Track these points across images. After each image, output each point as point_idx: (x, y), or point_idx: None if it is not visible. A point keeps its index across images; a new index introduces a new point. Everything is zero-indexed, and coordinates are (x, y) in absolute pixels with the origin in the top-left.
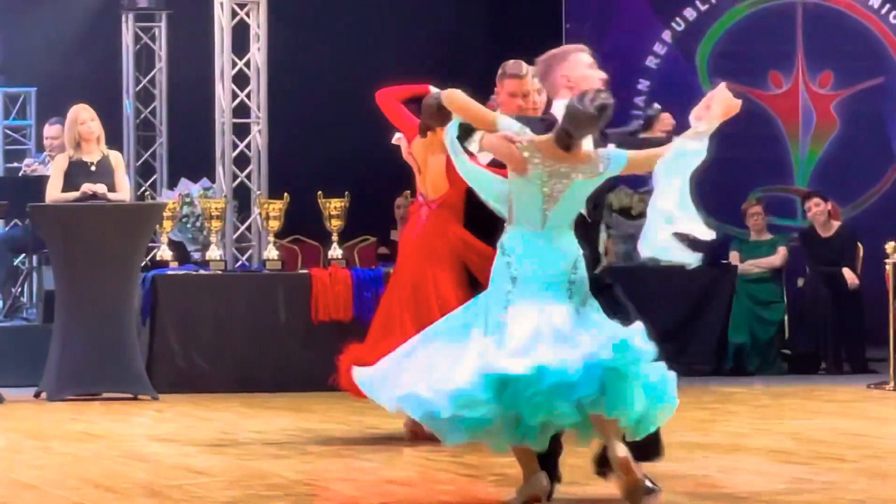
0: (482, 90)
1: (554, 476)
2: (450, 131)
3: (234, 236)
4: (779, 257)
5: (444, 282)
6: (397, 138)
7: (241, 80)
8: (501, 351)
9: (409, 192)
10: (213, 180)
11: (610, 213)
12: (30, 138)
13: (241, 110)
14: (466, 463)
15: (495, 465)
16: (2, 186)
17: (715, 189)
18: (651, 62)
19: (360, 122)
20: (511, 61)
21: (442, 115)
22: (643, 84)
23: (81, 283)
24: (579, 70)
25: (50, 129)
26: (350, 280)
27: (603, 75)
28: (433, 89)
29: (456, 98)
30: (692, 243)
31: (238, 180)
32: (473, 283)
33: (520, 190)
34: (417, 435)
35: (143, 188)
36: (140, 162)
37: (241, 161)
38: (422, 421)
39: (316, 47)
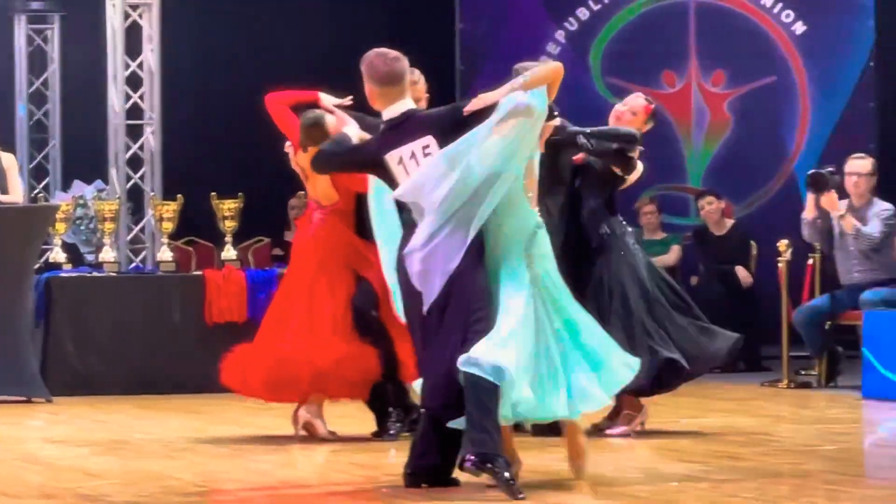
0: None
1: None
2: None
3: (128, 238)
4: (672, 256)
5: (338, 286)
6: (288, 146)
7: (134, 81)
8: None
9: (302, 192)
10: (106, 182)
11: None
12: None
13: (135, 112)
14: (361, 464)
15: (389, 466)
16: None
17: None
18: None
19: (254, 123)
20: None
21: (316, 133)
22: None
23: None
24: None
25: None
26: (244, 281)
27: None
28: (323, 96)
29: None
30: None
31: (132, 182)
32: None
33: None
34: (311, 432)
35: (37, 190)
36: (33, 164)
37: (135, 163)
38: None
39: (209, 49)
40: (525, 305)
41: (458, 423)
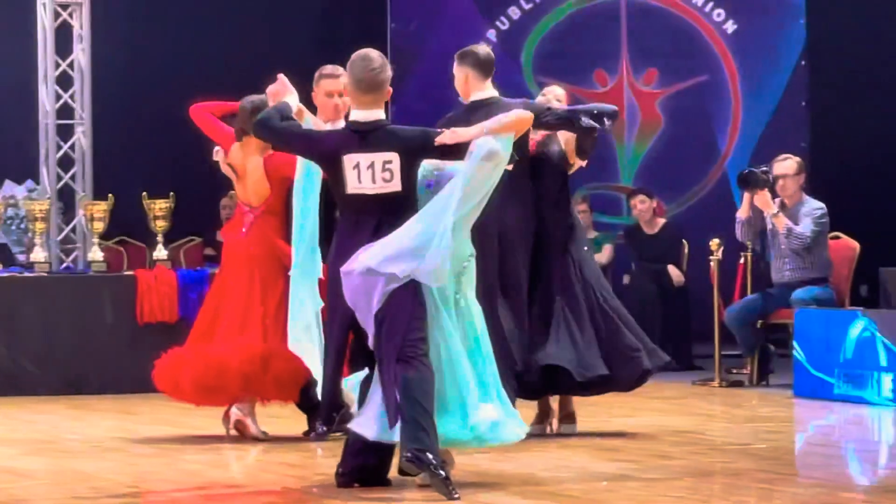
0: (307, 90)
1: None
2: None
3: (59, 238)
4: (605, 255)
5: (270, 288)
6: (216, 152)
7: (64, 81)
8: None
9: (233, 191)
10: (37, 182)
11: None
12: None
13: (65, 112)
14: (292, 463)
15: (320, 466)
16: None
17: None
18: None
19: (186, 122)
20: (328, 65)
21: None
22: None
23: None
24: (319, 98)
25: None
26: (175, 281)
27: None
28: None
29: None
30: None
31: (62, 182)
32: None
33: None
34: (242, 432)
35: None
36: None
37: (66, 162)
38: None
39: (140, 48)
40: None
41: (391, 436)
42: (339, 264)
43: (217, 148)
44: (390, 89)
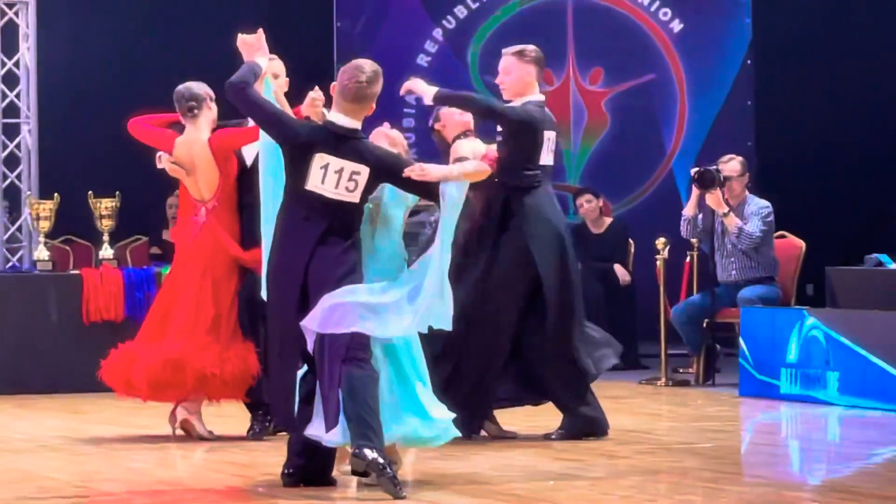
0: None
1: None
2: None
3: (5, 237)
4: None
5: (223, 286)
6: (158, 158)
7: (10, 79)
8: None
9: (178, 191)
10: None
11: None
12: None
13: (11, 110)
14: (239, 463)
15: (266, 465)
16: None
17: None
18: (422, 60)
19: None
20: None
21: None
22: None
23: None
24: None
25: None
26: (121, 280)
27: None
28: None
29: None
30: None
31: (8, 181)
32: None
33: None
34: (189, 431)
35: None
36: None
37: (11, 161)
38: None
39: (86, 47)
40: None
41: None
42: (281, 261)
43: (158, 154)
44: (373, 106)
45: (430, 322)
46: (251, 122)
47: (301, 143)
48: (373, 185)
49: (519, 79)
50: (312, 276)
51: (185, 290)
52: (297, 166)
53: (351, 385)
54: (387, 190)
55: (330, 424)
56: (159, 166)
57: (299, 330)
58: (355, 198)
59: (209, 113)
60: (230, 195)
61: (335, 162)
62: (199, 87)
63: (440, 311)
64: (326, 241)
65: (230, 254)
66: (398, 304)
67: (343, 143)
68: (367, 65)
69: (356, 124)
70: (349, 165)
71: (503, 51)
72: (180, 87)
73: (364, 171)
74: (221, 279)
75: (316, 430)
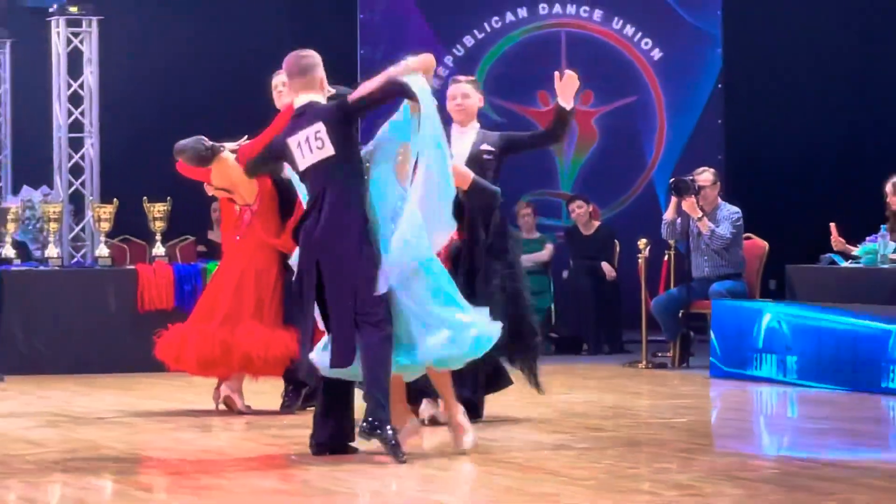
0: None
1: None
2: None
3: (70, 236)
4: (546, 253)
5: (265, 276)
6: (206, 189)
7: (75, 99)
8: None
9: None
10: (51, 187)
11: None
12: None
13: (76, 126)
14: (274, 434)
15: (297, 436)
16: None
17: None
18: (435, 82)
19: (181, 135)
20: None
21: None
22: None
23: None
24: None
25: None
26: (172, 274)
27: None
28: (225, 155)
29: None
30: None
31: (73, 187)
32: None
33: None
34: (230, 406)
35: None
36: None
37: (76, 170)
38: None
39: (142, 70)
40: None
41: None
42: (301, 237)
43: (205, 185)
44: (323, 76)
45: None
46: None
47: (280, 144)
48: (337, 133)
49: (474, 103)
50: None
51: (232, 280)
52: (290, 162)
53: (366, 356)
54: (387, 129)
55: (336, 363)
56: (209, 194)
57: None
58: (329, 150)
59: (226, 151)
60: (269, 197)
61: (301, 135)
62: (197, 144)
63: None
64: (325, 202)
65: (272, 246)
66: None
67: (300, 117)
68: (303, 50)
69: (310, 97)
70: (310, 130)
71: (458, 77)
72: (185, 150)
73: (321, 127)
74: (263, 270)
75: (321, 359)
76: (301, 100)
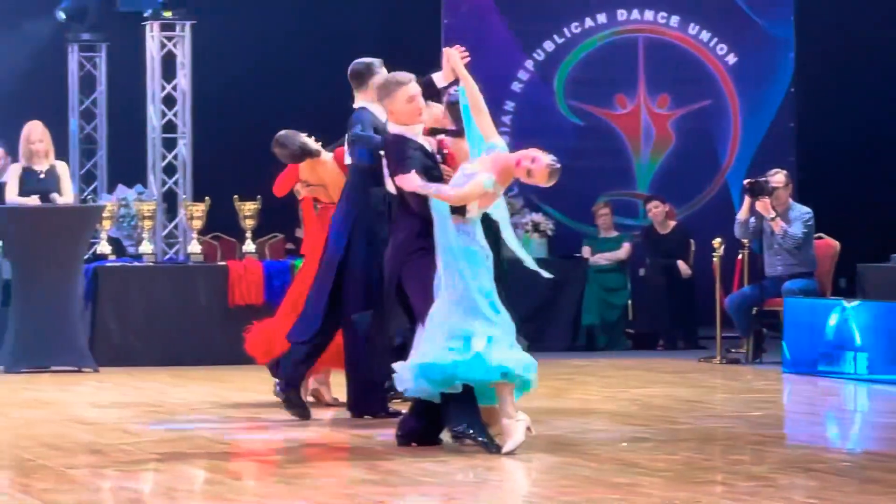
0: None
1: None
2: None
3: (164, 234)
4: (624, 251)
5: None
6: (296, 191)
7: (169, 101)
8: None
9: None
10: (145, 186)
11: None
12: None
13: (170, 127)
14: (361, 425)
15: (383, 427)
16: None
17: (570, 194)
18: (516, 86)
19: (271, 135)
20: None
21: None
22: (509, 105)
23: (34, 273)
24: (398, 105)
25: None
26: (261, 270)
27: (421, 106)
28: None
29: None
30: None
31: (167, 186)
32: None
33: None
34: (318, 398)
35: (86, 193)
36: (83, 171)
37: (170, 170)
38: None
39: (232, 72)
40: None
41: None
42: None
43: (295, 188)
44: (374, 87)
45: None
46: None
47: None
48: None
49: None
50: None
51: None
52: None
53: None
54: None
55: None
56: (301, 195)
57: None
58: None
59: (324, 154)
60: None
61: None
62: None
63: None
64: (343, 203)
65: None
66: None
67: (351, 121)
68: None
69: (358, 103)
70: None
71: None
72: (286, 141)
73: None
74: None
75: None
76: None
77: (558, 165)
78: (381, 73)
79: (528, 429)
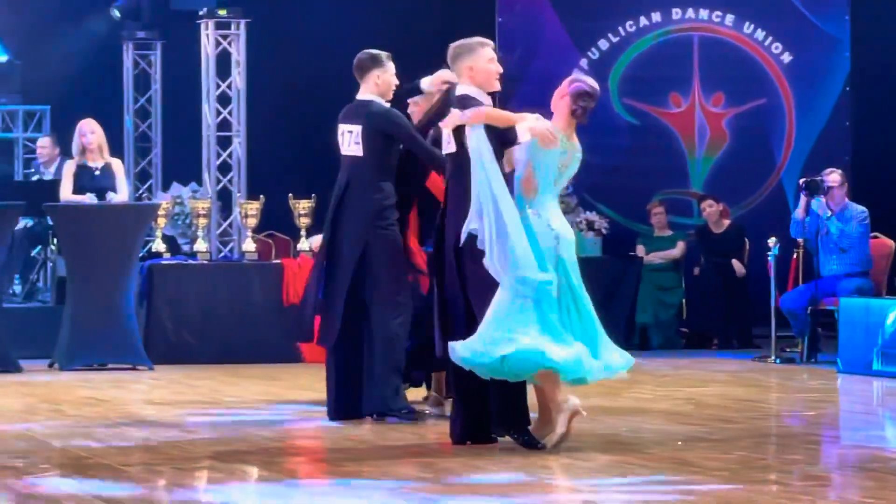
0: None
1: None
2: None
3: (218, 232)
4: (678, 250)
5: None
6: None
7: (223, 99)
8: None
9: None
10: (200, 184)
11: None
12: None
13: (224, 125)
14: (414, 423)
15: (437, 425)
16: (21, 189)
17: (625, 192)
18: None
19: (325, 134)
20: None
21: None
22: None
23: (89, 271)
24: (481, 63)
25: (41, 141)
26: None
27: (500, 69)
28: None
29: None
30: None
31: (221, 184)
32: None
33: (542, 160)
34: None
35: (141, 191)
36: (138, 168)
37: (224, 168)
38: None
39: (287, 70)
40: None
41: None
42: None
43: None
44: (377, 76)
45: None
46: None
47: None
48: (370, 139)
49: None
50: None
51: None
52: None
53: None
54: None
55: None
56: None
57: None
58: (359, 151)
59: None
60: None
61: (345, 127)
62: None
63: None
64: (347, 194)
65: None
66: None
67: (351, 111)
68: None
69: (363, 95)
70: (352, 128)
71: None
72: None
73: (357, 129)
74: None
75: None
76: (358, 95)
77: (587, 88)
78: (388, 66)
79: (577, 412)
